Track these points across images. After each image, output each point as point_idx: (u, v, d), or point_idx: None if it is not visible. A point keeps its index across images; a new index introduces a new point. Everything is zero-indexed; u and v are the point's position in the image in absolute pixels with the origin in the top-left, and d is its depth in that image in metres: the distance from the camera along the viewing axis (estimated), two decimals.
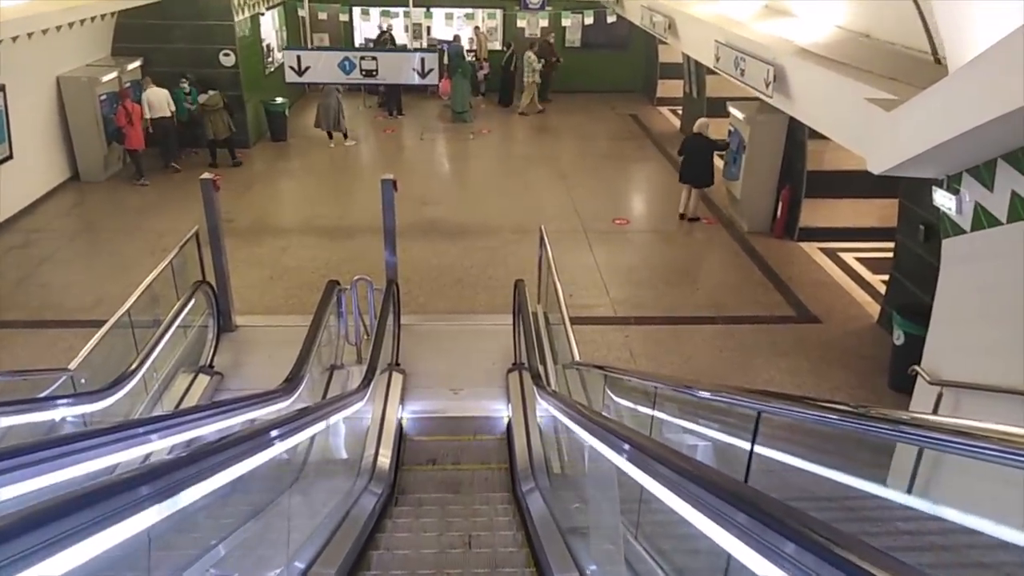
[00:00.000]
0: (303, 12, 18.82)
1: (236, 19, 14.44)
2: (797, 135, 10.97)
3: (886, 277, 9.74)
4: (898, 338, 7.58)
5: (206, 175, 7.70)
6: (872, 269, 10.47)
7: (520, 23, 18.83)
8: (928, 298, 5.78)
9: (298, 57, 7.42)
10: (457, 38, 19.10)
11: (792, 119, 10.97)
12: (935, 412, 5.02)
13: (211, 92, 13.74)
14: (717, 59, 9.99)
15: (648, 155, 15.88)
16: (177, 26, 14.25)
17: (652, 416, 4.35)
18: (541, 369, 6.73)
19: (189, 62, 14.38)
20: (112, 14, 13.83)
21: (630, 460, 2.48)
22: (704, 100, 15.46)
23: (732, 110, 11.77)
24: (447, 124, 17.81)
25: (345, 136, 15.79)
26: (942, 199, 5.14)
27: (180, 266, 7.75)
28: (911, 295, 8.34)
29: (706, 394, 3.49)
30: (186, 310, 7.06)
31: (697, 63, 15.54)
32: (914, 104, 4.83)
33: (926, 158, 4.76)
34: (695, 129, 11.95)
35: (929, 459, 3.36)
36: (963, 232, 5.01)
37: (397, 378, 7.33)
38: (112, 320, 6.14)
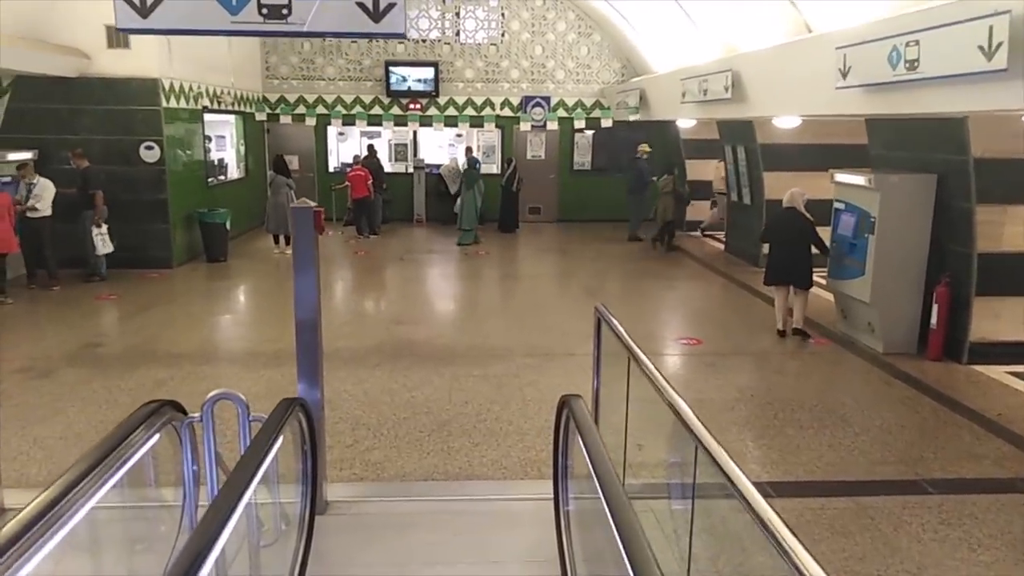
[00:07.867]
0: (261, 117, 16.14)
1: (164, 105, 11.27)
2: (955, 200, 7.30)
3: None
4: None
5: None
6: None
7: (524, 127, 16.07)
8: None
9: None
10: (470, 149, 15.94)
11: (945, 175, 7.37)
12: None
13: None
14: (844, 75, 6.55)
15: (695, 272, 12.21)
16: (86, 112, 11.03)
17: None
18: None
19: (100, 156, 10.98)
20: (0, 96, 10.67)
21: None
22: (763, 205, 12.05)
23: (841, 178, 8.18)
24: (438, 244, 14.35)
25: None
26: None
27: None
28: None
29: None
30: None
31: (748, 159, 12.35)
32: None
33: None
34: (786, 202, 8.28)
35: None
36: None
37: None
38: None
